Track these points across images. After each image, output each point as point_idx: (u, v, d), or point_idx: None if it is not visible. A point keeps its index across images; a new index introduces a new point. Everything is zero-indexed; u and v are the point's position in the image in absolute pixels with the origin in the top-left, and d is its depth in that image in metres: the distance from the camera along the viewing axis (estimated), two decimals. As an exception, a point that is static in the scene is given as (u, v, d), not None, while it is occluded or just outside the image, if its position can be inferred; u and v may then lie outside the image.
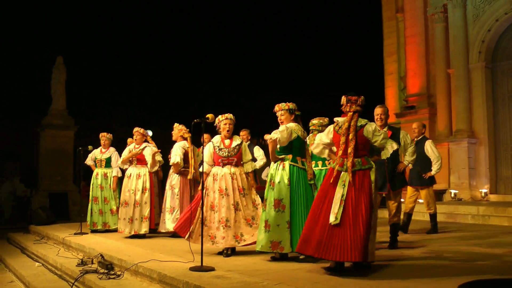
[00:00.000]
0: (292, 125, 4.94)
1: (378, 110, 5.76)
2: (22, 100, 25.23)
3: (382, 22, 16.45)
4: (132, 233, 6.95)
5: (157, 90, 30.78)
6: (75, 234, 7.51)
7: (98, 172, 8.22)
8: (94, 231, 7.89)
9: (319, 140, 4.51)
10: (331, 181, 4.22)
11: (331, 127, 4.48)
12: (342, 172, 4.21)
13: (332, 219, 4.04)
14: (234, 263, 4.72)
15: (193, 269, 4.34)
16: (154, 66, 31.98)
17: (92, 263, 5.52)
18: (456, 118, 11.44)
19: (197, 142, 7.56)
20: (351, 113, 4.33)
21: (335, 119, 4.50)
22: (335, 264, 4.07)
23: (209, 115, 4.78)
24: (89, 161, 8.50)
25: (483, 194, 10.62)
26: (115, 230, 7.63)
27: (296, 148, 4.89)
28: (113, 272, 4.99)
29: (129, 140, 8.30)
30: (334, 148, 4.45)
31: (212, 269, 4.32)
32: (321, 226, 4.08)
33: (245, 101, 30.41)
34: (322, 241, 4.01)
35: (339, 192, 4.15)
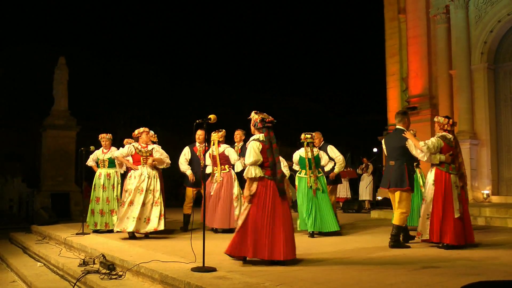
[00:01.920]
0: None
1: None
2: (24, 100, 25.26)
3: (384, 23, 16.47)
4: (143, 231, 6.89)
5: (157, 90, 30.80)
6: (77, 234, 7.51)
7: (101, 172, 8.19)
8: (95, 231, 7.88)
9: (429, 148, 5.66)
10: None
11: (440, 140, 5.70)
12: (452, 175, 5.65)
13: (457, 214, 5.52)
14: (236, 263, 4.71)
15: (194, 269, 4.33)
16: (155, 67, 32.04)
17: (94, 263, 5.52)
18: (459, 119, 11.43)
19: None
20: (453, 131, 5.87)
21: (444, 134, 5.79)
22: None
23: (211, 116, 4.75)
24: (90, 162, 8.46)
25: (485, 196, 10.61)
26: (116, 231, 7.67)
27: None
28: (114, 273, 4.98)
29: (126, 140, 8.25)
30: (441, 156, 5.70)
31: (213, 269, 4.32)
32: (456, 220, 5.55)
33: (245, 102, 30.47)
34: (459, 232, 5.52)
35: (455, 192, 5.61)
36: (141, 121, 27.31)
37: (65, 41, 27.94)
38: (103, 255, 5.41)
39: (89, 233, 7.65)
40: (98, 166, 8.33)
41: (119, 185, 8.13)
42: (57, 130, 13.35)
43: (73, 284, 5.03)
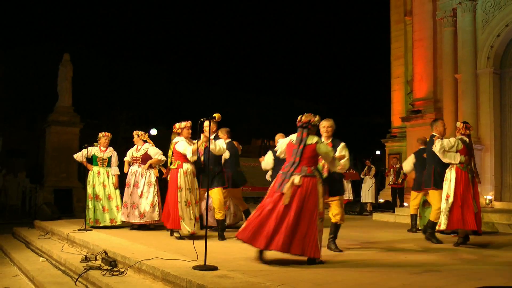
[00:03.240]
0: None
1: (325, 123, 5.84)
2: (29, 98, 25.36)
3: (390, 25, 16.44)
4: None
5: (161, 89, 30.82)
6: (79, 230, 7.53)
7: (100, 170, 8.34)
8: (95, 227, 7.93)
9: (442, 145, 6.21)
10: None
11: (459, 142, 6.21)
12: (469, 174, 6.19)
13: (476, 209, 6.04)
14: (238, 262, 4.71)
15: (196, 268, 4.33)
16: (159, 66, 32.06)
17: (96, 259, 5.54)
18: (463, 123, 11.38)
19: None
20: (469, 135, 6.40)
21: (462, 137, 6.30)
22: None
23: (216, 114, 4.78)
24: (80, 157, 8.46)
25: (487, 201, 10.57)
26: (121, 226, 8.03)
27: None
28: (116, 269, 4.99)
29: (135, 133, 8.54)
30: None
31: (215, 268, 4.32)
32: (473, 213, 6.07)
33: (249, 102, 30.50)
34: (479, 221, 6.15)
35: (471, 188, 6.14)
36: (144, 119, 27.40)
37: (70, 39, 28.04)
38: (105, 252, 5.43)
39: (91, 229, 7.67)
40: (94, 163, 8.38)
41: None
42: (61, 126, 13.41)
43: (75, 280, 5.04)
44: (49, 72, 16.64)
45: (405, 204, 11.59)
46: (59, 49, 16.69)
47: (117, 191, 8.38)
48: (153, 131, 24.88)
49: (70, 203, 11.90)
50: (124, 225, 8.10)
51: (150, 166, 7.93)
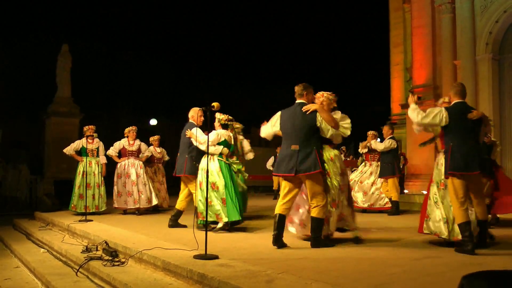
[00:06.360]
0: (223, 131, 6.41)
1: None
2: (32, 90, 25.27)
3: (388, 12, 16.35)
4: None
5: (162, 80, 30.72)
6: (80, 221, 7.56)
7: (91, 161, 8.98)
8: (80, 214, 8.41)
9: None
10: None
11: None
12: None
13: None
14: (238, 251, 4.74)
15: (197, 257, 4.35)
16: (160, 58, 31.87)
17: (97, 250, 5.56)
18: (462, 110, 11.37)
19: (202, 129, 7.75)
20: None
21: None
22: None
23: (215, 104, 4.81)
24: (69, 151, 9.11)
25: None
26: (104, 212, 8.88)
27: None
28: (117, 259, 5.02)
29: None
30: None
31: (216, 257, 4.34)
32: None
33: (248, 92, 30.42)
34: None
35: None
36: (145, 111, 27.36)
37: (73, 32, 27.81)
38: (106, 242, 5.45)
39: (92, 220, 7.71)
40: (84, 155, 8.92)
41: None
42: (60, 117, 13.40)
43: (76, 271, 5.07)
44: (49, 63, 16.59)
45: (405, 191, 11.60)
46: (59, 40, 16.64)
47: (101, 179, 9.05)
48: (153, 121, 24.88)
49: (71, 194, 11.90)
50: (106, 212, 8.97)
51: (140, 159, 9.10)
